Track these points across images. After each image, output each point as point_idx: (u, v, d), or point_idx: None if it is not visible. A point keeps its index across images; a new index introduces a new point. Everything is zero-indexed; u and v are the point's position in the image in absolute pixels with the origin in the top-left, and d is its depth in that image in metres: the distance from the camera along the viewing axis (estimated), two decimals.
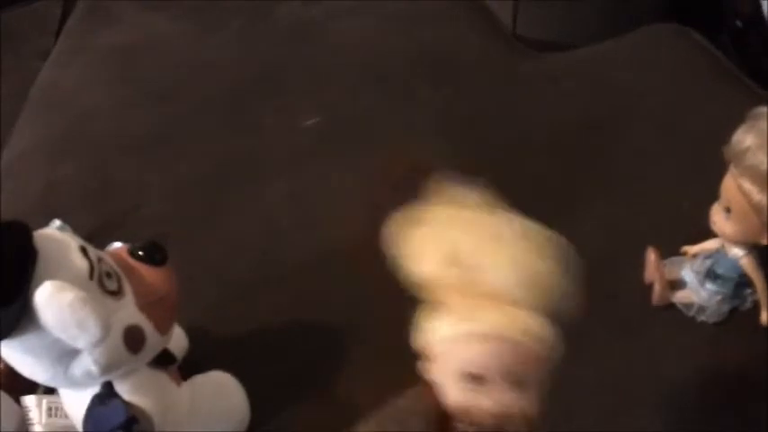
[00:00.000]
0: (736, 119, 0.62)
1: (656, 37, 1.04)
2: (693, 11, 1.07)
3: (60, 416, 0.61)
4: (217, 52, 1.15)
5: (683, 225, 0.76)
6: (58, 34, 1.29)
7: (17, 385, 0.61)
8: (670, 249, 0.75)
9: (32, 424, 0.61)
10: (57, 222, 0.80)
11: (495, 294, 0.39)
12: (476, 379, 0.40)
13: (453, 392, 0.41)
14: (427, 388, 0.42)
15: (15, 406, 0.62)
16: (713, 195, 0.66)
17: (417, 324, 0.42)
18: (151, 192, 0.95)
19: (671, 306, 0.72)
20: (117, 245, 0.74)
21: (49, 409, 0.61)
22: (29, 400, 0.61)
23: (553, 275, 0.40)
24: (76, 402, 0.58)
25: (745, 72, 0.97)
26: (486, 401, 0.40)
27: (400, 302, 0.72)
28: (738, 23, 1.05)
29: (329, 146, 0.96)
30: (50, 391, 0.61)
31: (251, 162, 0.96)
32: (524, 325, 0.39)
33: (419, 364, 0.43)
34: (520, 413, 0.40)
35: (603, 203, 0.84)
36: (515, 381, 0.39)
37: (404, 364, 0.64)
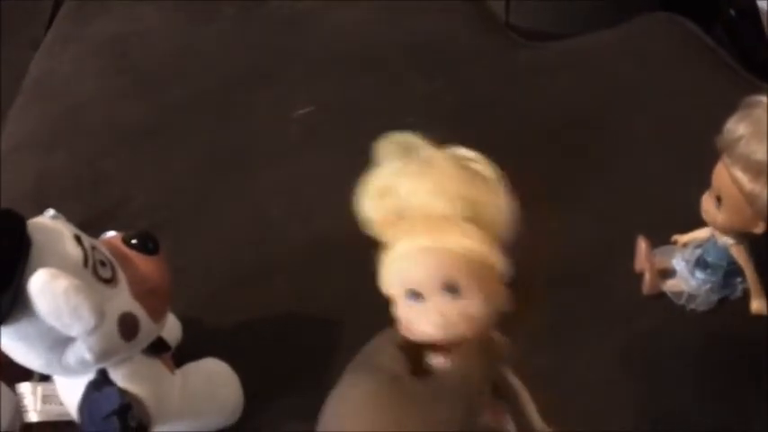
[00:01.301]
0: (730, 108, 0.63)
1: (649, 26, 1.04)
2: (687, 0, 1.08)
3: (55, 403, 0.61)
4: (209, 42, 1.15)
5: (675, 214, 0.76)
6: (49, 25, 1.28)
7: (12, 372, 0.61)
8: (661, 238, 0.76)
9: (27, 411, 0.61)
10: (51, 211, 0.80)
11: (425, 216, 0.41)
12: (415, 295, 0.41)
13: (403, 312, 0.42)
14: (395, 326, 0.43)
15: (10, 393, 0.63)
16: (705, 184, 0.67)
17: (377, 267, 0.43)
18: (143, 182, 0.95)
19: (662, 295, 0.73)
20: (111, 233, 0.74)
21: (45, 396, 0.61)
22: (24, 387, 0.61)
23: (480, 191, 0.41)
24: (71, 389, 0.58)
25: (739, 62, 0.97)
26: (427, 313, 0.41)
27: None
28: (732, 13, 1.05)
29: (322, 136, 0.96)
30: (46, 378, 0.61)
31: (243, 152, 0.96)
32: (447, 234, 0.40)
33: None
34: (461, 318, 0.41)
35: (594, 193, 0.84)
36: (451, 289, 0.41)
37: None
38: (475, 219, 0.41)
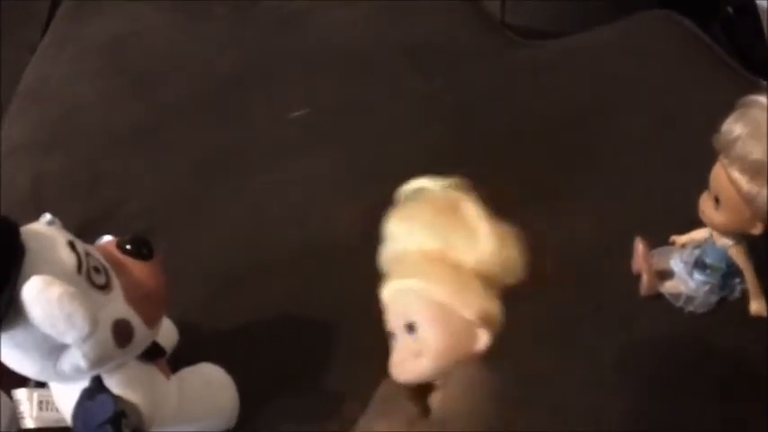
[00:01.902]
0: (728, 107, 0.62)
1: (647, 24, 1.04)
2: None
3: (51, 409, 0.61)
4: (205, 43, 1.15)
5: (672, 214, 0.76)
6: (46, 27, 1.28)
7: (8, 379, 0.61)
8: (659, 239, 0.75)
9: (23, 417, 0.61)
10: (47, 216, 0.79)
11: (401, 258, 0.42)
12: (391, 336, 0.43)
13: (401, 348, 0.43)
14: None
15: (6, 399, 0.63)
16: (702, 185, 0.66)
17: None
18: (140, 184, 0.95)
19: (659, 296, 0.73)
20: (106, 238, 0.74)
21: (40, 402, 0.61)
22: (20, 394, 0.61)
23: (454, 231, 0.41)
24: (67, 396, 0.58)
25: (737, 59, 0.97)
26: (398, 353, 0.42)
27: None
28: (730, 11, 1.04)
29: (317, 137, 0.96)
30: (42, 384, 0.61)
31: (239, 153, 0.96)
32: (418, 276, 0.41)
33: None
34: (414, 356, 0.41)
35: (592, 193, 0.84)
36: (409, 329, 0.41)
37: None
38: (450, 258, 0.41)
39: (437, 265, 0.41)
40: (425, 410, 0.42)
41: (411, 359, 0.41)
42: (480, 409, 0.42)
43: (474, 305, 0.41)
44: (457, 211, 0.42)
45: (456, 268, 0.41)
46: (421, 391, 0.42)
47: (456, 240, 0.41)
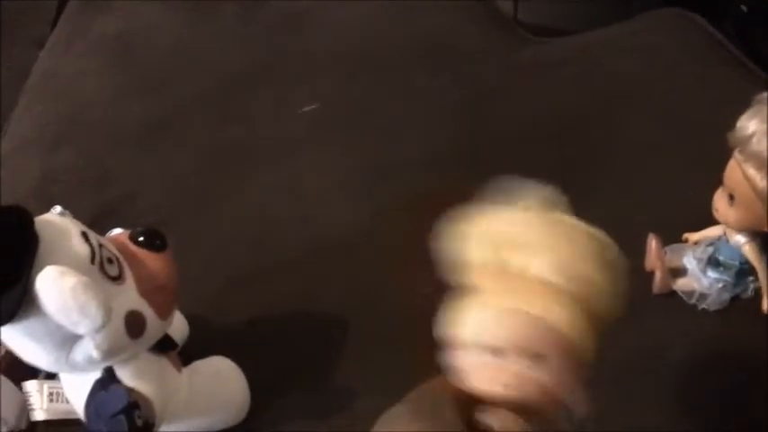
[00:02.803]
0: (741, 104, 0.62)
1: (659, 22, 1.03)
2: None
3: (62, 401, 0.61)
4: (211, 40, 1.15)
5: (685, 212, 0.75)
6: (54, 23, 1.28)
7: (19, 370, 0.61)
8: (672, 236, 0.75)
9: (34, 409, 0.61)
10: (58, 208, 0.79)
11: (529, 281, 0.40)
12: (495, 351, 0.40)
13: (472, 365, 0.41)
14: (449, 376, 0.42)
15: (17, 391, 0.62)
16: (715, 182, 0.66)
17: (448, 310, 0.42)
18: (147, 180, 0.95)
19: (672, 294, 0.72)
20: (117, 231, 0.74)
21: (51, 394, 0.61)
22: (30, 386, 0.61)
23: (592, 272, 0.40)
24: (78, 387, 0.58)
25: (750, 57, 0.96)
26: (502, 372, 0.40)
27: (398, 290, 0.73)
28: (743, 8, 1.04)
29: (325, 134, 0.96)
30: (52, 376, 0.61)
31: (246, 150, 0.96)
32: (549, 305, 0.39)
33: (441, 352, 0.43)
34: (535, 387, 0.40)
35: (605, 190, 0.83)
36: (533, 357, 0.40)
37: (401, 353, 0.64)
38: (580, 299, 0.40)
39: (577, 304, 0.40)
40: (470, 424, 0.41)
41: (530, 385, 0.40)
42: None
43: (592, 345, 0.41)
44: (601, 256, 0.41)
45: (589, 311, 0.40)
46: (468, 403, 0.42)
47: (600, 291, 0.40)
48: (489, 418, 0.41)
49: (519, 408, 0.41)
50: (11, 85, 1.16)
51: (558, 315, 0.40)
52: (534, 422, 0.42)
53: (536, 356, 0.40)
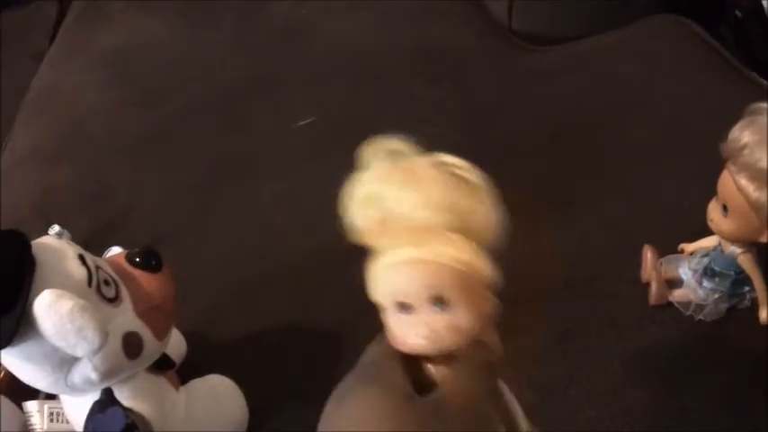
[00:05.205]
0: (737, 112, 0.62)
1: (654, 29, 1.03)
2: (693, 2, 1.07)
3: (62, 421, 0.61)
4: (210, 52, 1.15)
5: (681, 222, 0.75)
6: (53, 36, 1.29)
7: (19, 390, 0.62)
8: (667, 247, 0.75)
9: (34, 429, 0.61)
10: (56, 228, 0.80)
11: (410, 227, 0.40)
12: (404, 307, 0.41)
13: (393, 325, 0.42)
14: (385, 335, 0.43)
15: (17, 411, 0.63)
16: (711, 192, 0.66)
17: (366, 276, 0.42)
18: (146, 194, 0.95)
19: (669, 305, 0.72)
20: (116, 249, 0.74)
21: (51, 414, 0.61)
22: (30, 406, 0.62)
23: (462, 198, 0.40)
24: (77, 408, 0.58)
25: (746, 63, 0.96)
26: (417, 326, 0.40)
27: None
28: (738, 14, 1.04)
29: (324, 145, 0.96)
30: (52, 396, 0.62)
31: (246, 162, 0.97)
32: (434, 246, 0.40)
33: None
34: (449, 331, 0.40)
35: (600, 200, 0.83)
36: (438, 301, 0.40)
37: None
38: (462, 228, 0.40)
39: (458, 234, 0.40)
40: (418, 384, 0.41)
41: (443, 331, 0.40)
42: (482, 395, 0.41)
43: (491, 271, 0.41)
44: (461, 181, 0.41)
45: (473, 237, 0.40)
46: (414, 364, 0.42)
47: (473, 213, 0.40)
48: (430, 371, 0.42)
49: (450, 355, 0.41)
50: (10, 98, 1.17)
51: (445, 251, 0.40)
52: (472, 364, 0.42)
53: (440, 300, 0.40)
